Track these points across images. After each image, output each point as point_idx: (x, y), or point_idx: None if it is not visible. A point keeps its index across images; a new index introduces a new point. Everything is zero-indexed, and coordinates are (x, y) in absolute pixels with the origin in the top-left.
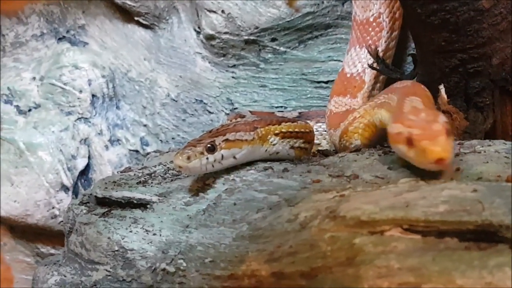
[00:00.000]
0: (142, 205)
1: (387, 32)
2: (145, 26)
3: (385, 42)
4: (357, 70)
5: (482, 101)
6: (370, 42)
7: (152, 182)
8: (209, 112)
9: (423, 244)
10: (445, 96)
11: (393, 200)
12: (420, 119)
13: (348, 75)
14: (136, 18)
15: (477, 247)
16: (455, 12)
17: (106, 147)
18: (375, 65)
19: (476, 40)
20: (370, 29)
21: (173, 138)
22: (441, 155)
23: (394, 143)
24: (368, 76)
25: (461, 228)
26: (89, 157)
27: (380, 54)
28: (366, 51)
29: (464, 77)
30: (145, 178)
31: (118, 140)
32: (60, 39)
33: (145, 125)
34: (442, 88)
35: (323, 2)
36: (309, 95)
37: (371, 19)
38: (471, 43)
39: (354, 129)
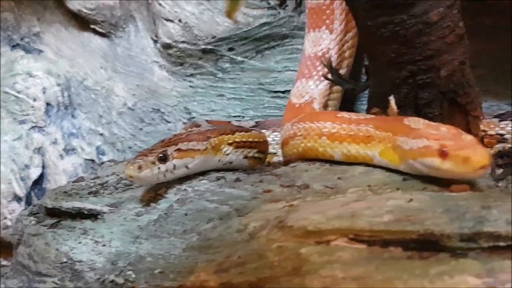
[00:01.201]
0: (93, 215)
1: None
2: (102, 34)
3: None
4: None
5: (431, 112)
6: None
7: (103, 192)
8: (167, 121)
9: (368, 253)
10: (395, 107)
11: (340, 210)
12: (444, 132)
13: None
14: (92, 26)
15: (420, 256)
16: (404, 24)
17: (61, 157)
18: (329, 76)
19: (425, 53)
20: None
21: (130, 147)
22: (484, 162)
23: (419, 157)
24: (317, 105)
25: (404, 238)
26: (43, 167)
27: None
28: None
29: (413, 88)
30: (96, 188)
31: (73, 149)
32: (14, 46)
33: (101, 134)
34: (392, 99)
35: (279, 13)
36: (266, 105)
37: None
38: (420, 55)
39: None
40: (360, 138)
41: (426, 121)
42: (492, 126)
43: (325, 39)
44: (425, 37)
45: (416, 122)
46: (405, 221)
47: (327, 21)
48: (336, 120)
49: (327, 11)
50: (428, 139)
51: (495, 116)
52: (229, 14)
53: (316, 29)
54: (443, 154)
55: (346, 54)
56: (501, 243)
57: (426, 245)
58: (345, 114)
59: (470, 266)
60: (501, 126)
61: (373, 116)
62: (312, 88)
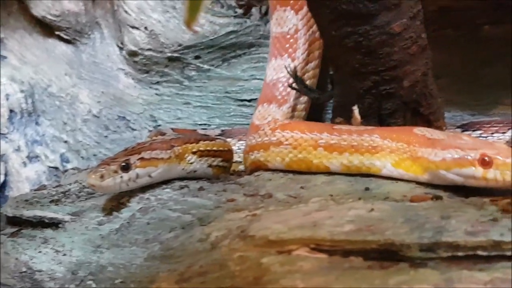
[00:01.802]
0: (54, 224)
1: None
2: (67, 41)
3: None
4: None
5: (394, 122)
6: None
7: (65, 201)
8: (132, 129)
9: (328, 263)
10: (359, 117)
11: (302, 220)
12: (473, 141)
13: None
14: (57, 33)
15: (380, 266)
16: (367, 35)
17: (24, 164)
18: (294, 85)
19: (388, 63)
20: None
21: (94, 155)
22: None
23: (455, 167)
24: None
25: (365, 247)
26: (6, 174)
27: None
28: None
29: (377, 98)
30: (58, 197)
31: (36, 156)
32: None
33: (65, 142)
34: (355, 109)
35: (246, 22)
36: (232, 113)
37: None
38: (383, 65)
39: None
40: (364, 149)
41: (437, 130)
42: None
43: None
44: (388, 47)
45: (432, 132)
46: (365, 231)
47: (290, 50)
48: (334, 131)
49: (291, 40)
50: (463, 149)
51: (458, 127)
52: (188, 24)
53: (279, 57)
54: (485, 163)
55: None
56: (460, 253)
57: (387, 255)
58: (343, 126)
59: (429, 276)
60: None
61: (374, 127)
62: (274, 110)
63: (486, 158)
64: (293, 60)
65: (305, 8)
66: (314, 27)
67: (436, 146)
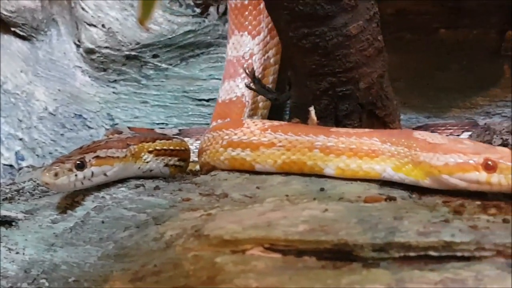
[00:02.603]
0: (7, 222)
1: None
2: (23, 38)
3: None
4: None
5: (350, 124)
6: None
7: (19, 199)
8: (89, 127)
9: (282, 263)
10: (315, 118)
11: (256, 220)
12: (474, 145)
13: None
14: (13, 29)
15: (333, 266)
16: (324, 37)
17: None
18: (251, 85)
19: (344, 65)
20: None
21: (50, 153)
22: None
23: (458, 172)
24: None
25: (319, 247)
26: None
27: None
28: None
29: (333, 100)
30: (12, 195)
31: None
32: None
33: (20, 139)
34: (312, 110)
35: (204, 21)
36: (190, 113)
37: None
38: (339, 67)
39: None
40: (363, 152)
41: (438, 134)
42: None
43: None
44: (344, 49)
45: (432, 137)
46: (319, 231)
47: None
48: (331, 133)
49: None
50: (466, 154)
51: (414, 129)
52: (141, 21)
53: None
54: (488, 167)
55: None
56: (412, 253)
57: (340, 255)
58: (340, 129)
59: (381, 276)
60: None
61: (372, 129)
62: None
63: (490, 163)
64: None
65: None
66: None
67: (438, 151)
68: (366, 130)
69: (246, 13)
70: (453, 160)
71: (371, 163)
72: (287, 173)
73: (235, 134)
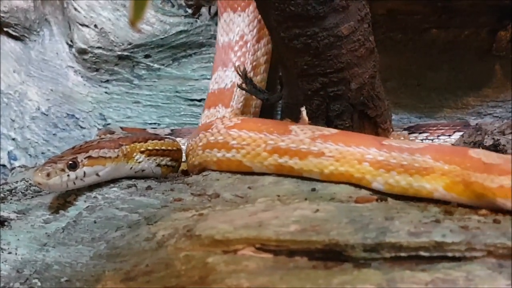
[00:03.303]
0: (0, 222)
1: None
2: (15, 38)
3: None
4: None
5: (342, 124)
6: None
7: (11, 199)
8: (81, 127)
9: (273, 263)
10: (306, 118)
11: (248, 220)
12: None
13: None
14: (5, 29)
15: (324, 266)
16: (316, 37)
17: None
18: (243, 85)
19: (336, 65)
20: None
21: (43, 153)
22: None
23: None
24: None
25: (310, 248)
26: None
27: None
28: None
29: (325, 100)
30: (4, 195)
31: None
32: None
33: (13, 139)
34: (303, 110)
35: (196, 21)
36: (182, 113)
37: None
38: (331, 67)
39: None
40: (414, 170)
41: (493, 153)
42: (402, 138)
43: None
44: (336, 50)
45: (487, 156)
46: (310, 231)
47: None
48: (383, 147)
49: None
50: None
51: (405, 129)
52: (133, 22)
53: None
54: None
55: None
56: (403, 254)
57: (331, 255)
58: (392, 142)
59: (372, 276)
60: (410, 138)
61: (426, 144)
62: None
63: None
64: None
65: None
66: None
67: (493, 171)
68: (420, 145)
69: None
70: (508, 182)
71: (422, 181)
72: (278, 174)
73: (282, 140)
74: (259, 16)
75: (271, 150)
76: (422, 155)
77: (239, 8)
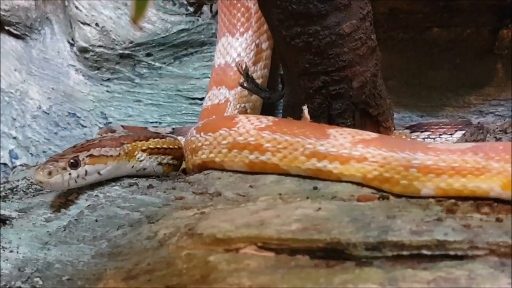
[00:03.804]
0: (1, 221)
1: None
2: (17, 36)
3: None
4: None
5: (343, 122)
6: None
7: (13, 197)
8: (82, 125)
9: (275, 261)
10: (308, 117)
11: (249, 218)
12: None
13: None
14: (7, 28)
15: (326, 265)
16: (317, 35)
17: None
18: (245, 83)
19: (338, 64)
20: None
21: (44, 152)
22: None
23: None
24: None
25: (311, 246)
26: None
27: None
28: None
29: (327, 98)
30: (6, 193)
31: None
32: None
33: (14, 138)
34: (305, 109)
35: (198, 20)
36: (184, 111)
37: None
38: (333, 66)
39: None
40: (467, 171)
41: None
42: (404, 137)
43: None
44: (338, 48)
45: None
46: (312, 230)
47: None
48: (429, 150)
49: None
50: None
51: (407, 128)
52: (135, 21)
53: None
54: None
55: None
56: (405, 252)
57: (333, 254)
58: (439, 145)
59: (374, 275)
60: (412, 137)
61: (474, 143)
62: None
63: None
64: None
65: None
66: None
67: None
68: (468, 145)
69: None
70: None
71: (476, 181)
72: (279, 172)
73: (322, 145)
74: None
75: (310, 154)
76: (475, 155)
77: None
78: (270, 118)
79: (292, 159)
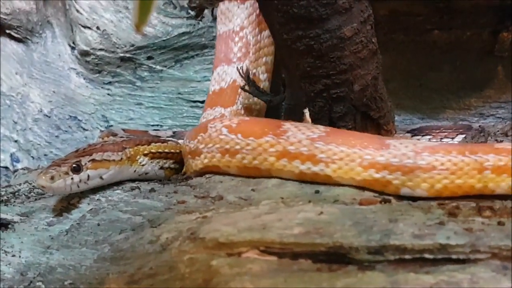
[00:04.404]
0: (3, 225)
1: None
2: (18, 40)
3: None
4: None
5: (345, 125)
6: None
7: (15, 201)
8: (84, 129)
9: (277, 265)
10: (309, 120)
11: (251, 222)
12: None
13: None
14: (8, 31)
15: (328, 269)
16: (318, 39)
17: None
18: (246, 87)
19: (339, 67)
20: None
21: (45, 155)
22: None
23: None
24: None
25: (314, 250)
26: None
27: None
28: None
29: (328, 102)
30: (8, 197)
31: None
32: None
33: (16, 141)
34: (306, 112)
35: (199, 23)
36: (185, 114)
37: None
38: (334, 69)
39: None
40: None
41: None
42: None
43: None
44: (339, 51)
45: None
46: (314, 233)
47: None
48: (500, 151)
49: None
50: None
51: (408, 131)
52: (138, 26)
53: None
54: None
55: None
56: (407, 256)
57: (335, 258)
58: (506, 145)
59: (376, 279)
60: None
61: None
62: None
63: None
64: None
65: None
66: None
67: None
68: None
69: None
70: None
71: None
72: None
73: (381, 155)
74: None
75: (368, 165)
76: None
77: None
78: (323, 128)
79: (348, 171)
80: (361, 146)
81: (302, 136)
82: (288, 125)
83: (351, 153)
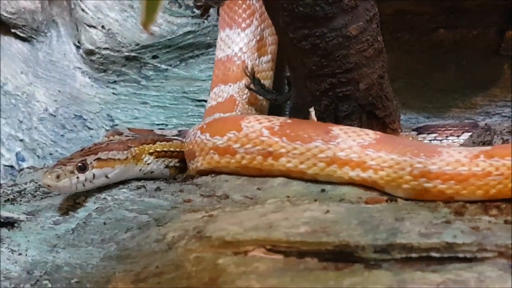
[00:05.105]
0: (9, 223)
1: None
2: (23, 39)
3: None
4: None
5: (350, 124)
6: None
7: (21, 200)
8: (89, 128)
9: (284, 264)
10: (315, 119)
11: (258, 221)
12: None
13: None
14: (13, 31)
15: (335, 267)
16: (324, 38)
17: None
18: (251, 86)
19: (344, 66)
20: None
21: (50, 154)
22: None
23: None
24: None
25: (320, 249)
26: None
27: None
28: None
29: (334, 100)
30: (14, 196)
31: None
32: None
33: (21, 140)
34: (312, 111)
35: (204, 22)
36: (190, 113)
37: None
38: (339, 68)
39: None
40: None
41: None
42: (410, 139)
43: None
44: (344, 50)
45: None
46: (320, 232)
47: None
48: None
49: None
50: None
51: (414, 130)
52: (145, 25)
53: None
54: None
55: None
56: (413, 255)
57: (342, 256)
58: None
59: (383, 278)
60: (419, 139)
61: None
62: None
63: None
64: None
65: None
66: None
67: None
68: None
69: None
70: None
71: None
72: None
73: (433, 164)
74: None
75: (418, 174)
76: None
77: None
78: (374, 135)
79: (396, 177)
80: (411, 154)
81: (353, 143)
82: (336, 129)
83: (401, 161)
